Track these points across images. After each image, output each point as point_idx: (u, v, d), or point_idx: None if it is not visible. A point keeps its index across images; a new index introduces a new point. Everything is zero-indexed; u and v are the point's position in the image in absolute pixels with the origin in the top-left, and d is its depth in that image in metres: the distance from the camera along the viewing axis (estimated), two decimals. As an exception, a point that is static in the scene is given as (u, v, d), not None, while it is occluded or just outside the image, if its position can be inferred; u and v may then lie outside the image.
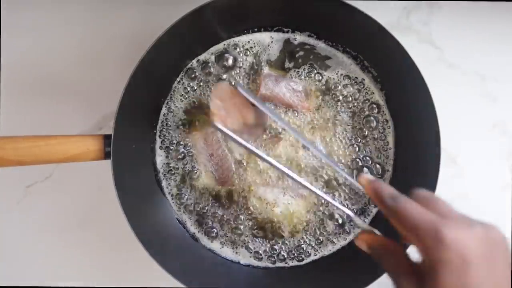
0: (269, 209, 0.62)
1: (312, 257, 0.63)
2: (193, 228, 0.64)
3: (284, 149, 0.63)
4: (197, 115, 0.63)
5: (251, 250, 0.63)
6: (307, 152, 0.63)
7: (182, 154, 0.63)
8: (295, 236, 0.63)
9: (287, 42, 0.63)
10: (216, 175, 0.63)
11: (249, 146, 0.48)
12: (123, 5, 0.67)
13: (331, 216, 0.63)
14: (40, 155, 0.53)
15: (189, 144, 0.63)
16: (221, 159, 0.62)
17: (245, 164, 0.63)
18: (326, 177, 0.63)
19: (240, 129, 0.55)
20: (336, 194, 0.63)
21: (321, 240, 0.63)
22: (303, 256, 0.63)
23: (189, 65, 0.64)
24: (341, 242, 0.63)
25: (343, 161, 0.63)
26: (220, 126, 0.48)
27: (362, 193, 0.63)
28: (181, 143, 0.63)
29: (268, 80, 0.62)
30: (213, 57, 0.64)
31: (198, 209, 0.63)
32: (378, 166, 0.63)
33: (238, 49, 0.63)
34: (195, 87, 0.63)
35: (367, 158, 0.63)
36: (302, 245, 0.63)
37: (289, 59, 0.64)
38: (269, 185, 0.63)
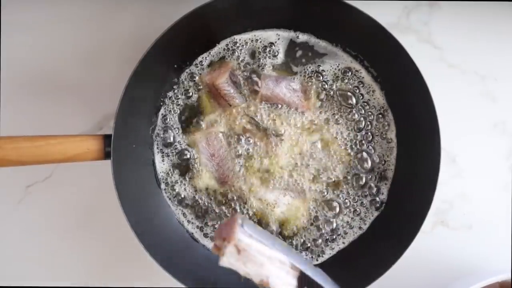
0: (269, 210, 0.62)
1: (314, 261, 0.63)
2: (192, 228, 0.64)
3: (287, 149, 0.63)
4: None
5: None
6: (309, 152, 0.63)
7: (182, 154, 0.63)
8: (295, 237, 0.63)
9: (291, 41, 0.64)
10: (217, 175, 0.63)
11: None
12: (123, 4, 0.67)
13: (329, 220, 0.63)
14: (40, 155, 0.53)
15: (190, 144, 0.63)
16: (222, 159, 0.62)
17: (246, 164, 0.63)
18: (329, 179, 0.63)
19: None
20: (341, 194, 0.63)
21: (321, 243, 0.63)
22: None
23: (190, 64, 0.64)
24: (340, 245, 0.63)
25: (344, 159, 0.63)
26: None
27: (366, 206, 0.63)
28: (182, 143, 0.63)
29: (268, 80, 0.62)
30: (214, 56, 0.64)
31: (198, 209, 0.63)
32: (379, 166, 0.63)
33: (240, 47, 0.63)
34: (196, 86, 0.63)
35: (368, 157, 0.63)
36: (304, 247, 0.63)
37: (292, 59, 0.64)
38: (269, 186, 0.63)
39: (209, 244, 0.63)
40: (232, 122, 0.63)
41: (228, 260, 0.49)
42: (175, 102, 0.64)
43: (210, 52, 0.64)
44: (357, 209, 0.63)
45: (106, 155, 0.55)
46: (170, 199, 0.64)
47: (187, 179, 0.63)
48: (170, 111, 0.63)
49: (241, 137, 0.63)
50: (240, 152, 0.63)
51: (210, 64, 0.64)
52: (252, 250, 0.50)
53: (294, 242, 0.63)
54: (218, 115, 0.63)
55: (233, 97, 0.62)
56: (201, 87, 0.63)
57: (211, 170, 0.63)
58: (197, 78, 0.63)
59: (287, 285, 0.50)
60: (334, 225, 0.63)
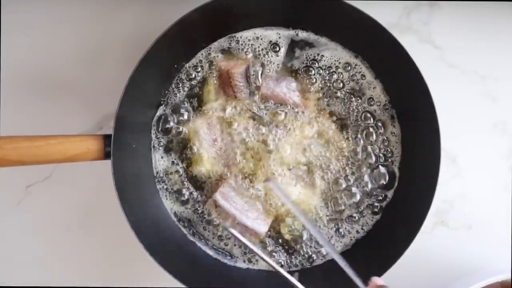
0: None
1: (317, 262, 0.63)
2: (192, 228, 0.64)
3: (288, 144, 0.62)
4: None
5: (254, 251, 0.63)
6: (310, 150, 0.63)
7: (183, 153, 0.63)
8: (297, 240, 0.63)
9: (291, 40, 0.64)
10: (221, 160, 0.62)
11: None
12: (123, 4, 0.67)
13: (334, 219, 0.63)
14: (40, 155, 0.53)
15: (190, 133, 0.63)
16: (225, 143, 0.62)
17: (249, 153, 0.62)
18: (331, 177, 0.63)
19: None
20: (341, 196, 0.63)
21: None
22: (302, 261, 0.63)
23: (189, 63, 0.64)
24: (340, 245, 0.63)
25: (345, 152, 0.63)
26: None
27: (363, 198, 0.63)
28: (182, 141, 0.63)
29: (269, 80, 0.62)
30: (214, 54, 0.64)
31: (199, 208, 0.63)
32: (381, 166, 0.63)
33: (241, 45, 0.63)
34: (195, 86, 0.64)
35: (368, 156, 0.63)
36: (304, 250, 0.63)
37: (292, 57, 0.64)
38: (280, 175, 0.62)
39: (210, 244, 0.63)
40: (235, 113, 0.63)
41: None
42: (174, 100, 0.64)
43: (210, 50, 0.64)
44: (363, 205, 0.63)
45: (106, 155, 0.55)
46: (170, 198, 0.64)
47: (188, 177, 0.63)
48: (170, 110, 0.63)
49: (243, 127, 0.62)
50: (244, 139, 0.62)
51: (211, 63, 0.64)
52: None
53: (295, 245, 0.63)
54: (220, 104, 0.63)
55: (241, 90, 0.62)
56: (206, 76, 0.63)
57: (214, 156, 0.62)
58: (197, 76, 0.64)
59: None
60: (337, 227, 0.63)
